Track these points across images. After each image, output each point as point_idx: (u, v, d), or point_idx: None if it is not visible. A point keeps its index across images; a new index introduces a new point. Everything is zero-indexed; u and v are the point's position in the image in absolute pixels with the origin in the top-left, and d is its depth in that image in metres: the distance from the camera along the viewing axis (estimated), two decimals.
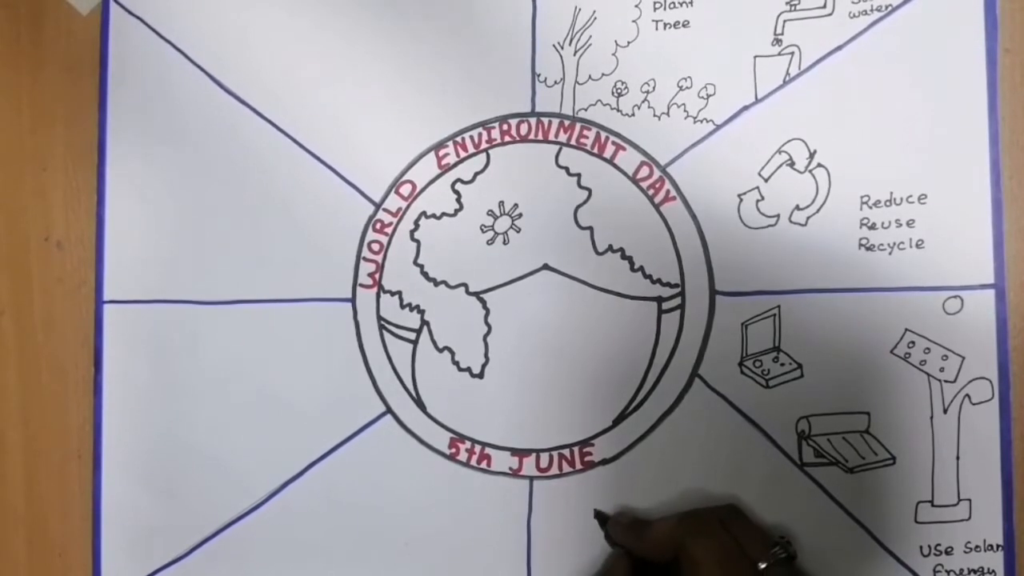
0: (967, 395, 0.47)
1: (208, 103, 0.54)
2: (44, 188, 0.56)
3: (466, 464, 0.51)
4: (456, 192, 0.52)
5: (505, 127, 0.52)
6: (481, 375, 0.51)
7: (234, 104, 0.54)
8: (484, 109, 0.52)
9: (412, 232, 0.52)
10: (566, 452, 0.50)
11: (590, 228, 0.51)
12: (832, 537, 0.48)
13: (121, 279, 0.55)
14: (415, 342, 0.52)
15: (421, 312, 0.52)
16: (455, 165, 0.52)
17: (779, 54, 0.49)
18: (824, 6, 0.49)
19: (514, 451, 0.51)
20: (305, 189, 0.53)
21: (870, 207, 0.48)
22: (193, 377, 0.54)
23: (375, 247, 0.53)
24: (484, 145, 0.52)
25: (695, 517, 0.45)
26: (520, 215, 0.51)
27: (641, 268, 0.50)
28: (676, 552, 0.43)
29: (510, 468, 0.51)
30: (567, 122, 0.51)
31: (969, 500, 0.47)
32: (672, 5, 0.50)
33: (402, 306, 0.52)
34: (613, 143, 0.51)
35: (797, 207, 0.49)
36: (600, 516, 0.49)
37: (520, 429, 0.51)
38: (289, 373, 0.53)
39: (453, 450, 0.51)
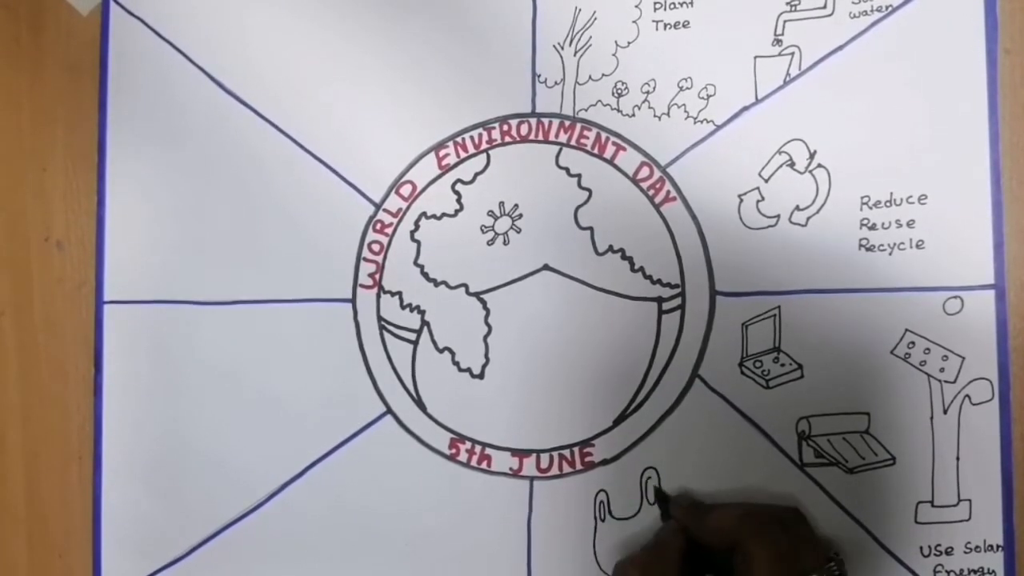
0: (967, 395, 0.47)
1: (208, 104, 0.54)
2: (44, 188, 0.56)
3: (466, 464, 0.51)
4: (456, 192, 0.52)
5: (505, 127, 0.52)
6: (481, 375, 0.51)
7: (234, 104, 0.54)
8: (484, 109, 0.52)
9: (412, 232, 0.52)
10: (566, 452, 0.50)
11: (590, 228, 0.51)
12: (832, 538, 0.47)
13: (121, 279, 0.55)
14: (415, 342, 0.52)
15: (421, 312, 0.52)
16: (455, 165, 0.52)
17: (779, 54, 0.49)
18: (824, 6, 0.49)
19: (514, 451, 0.51)
20: (305, 189, 0.53)
21: (870, 207, 0.48)
22: (193, 377, 0.54)
23: (375, 247, 0.53)
24: (484, 145, 0.52)
25: (759, 514, 0.44)
26: (520, 215, 0.51)
27: (641, 268, 0.50)
28: (733, 543, 0.43)
29: (510, 468, 0.51)
30: (567, 122, 0.51)
31: (969, 500, 0.47)
32: (672, 5, 0.50)
33: (402, 306, 0.52)
34: (613, 143, 0.51)
35: (797, 207, 0.49)
36: (660, 495, 0.49)
37: (520, 429, 0.51)
38: (289, 373, 0.53)
39: (453, 450, 0.51)
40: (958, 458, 0.47)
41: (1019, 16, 0.48)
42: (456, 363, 0.52)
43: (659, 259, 0.50)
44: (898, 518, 0.47)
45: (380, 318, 0.52)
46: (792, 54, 0.49)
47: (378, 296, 0.52)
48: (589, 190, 0.51)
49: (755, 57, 0.49)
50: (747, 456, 0.48)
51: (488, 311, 0.51)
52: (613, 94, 0.51)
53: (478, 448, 0.51)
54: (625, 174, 0.51)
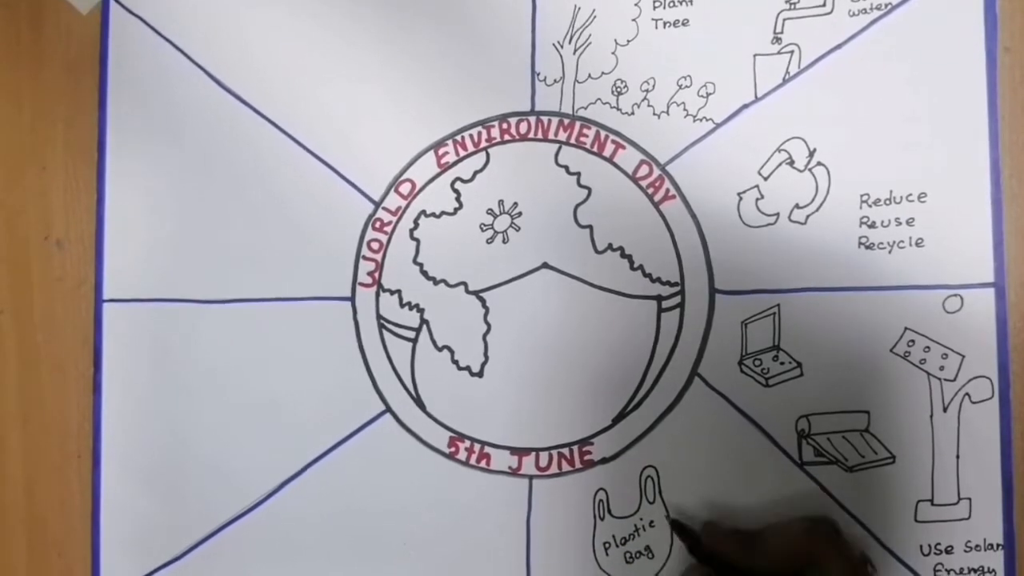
0: (967, 394, 0.47)
1: (208, 102, 0.54)
2: (44, 187, 0.56)
3: (465, 463, 0.51)
4: (456, 191, 0.52)
5: (505, 126, 0.52)
6: (480, 374, 0.51)
7: (234, 103, 0.54)
8: (484, 108, 0.52)
9: (412, 231, 0.52)
10: (566, 451, 0.50)
11: (590, 227, 0.51)
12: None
13: (121, 278, 0.55)
14: (414, 341, 0.52)
15: (420, 311, 0.52)
16: (455, 164, 0.52)
17: (779, 52, 0.49)
18: (824, 4, 0.49)
19: (514, 450, 0.51)
20: (304, 188, 0.53)
21: (870, 206, 0.48)
22: (193, 376, 0.54)
23: (375, 246, 0.53)
24: (484, 144, 0.52)
25: (820, 529, 0.43)
26: (520, 214, 0.51)
27: (641, 267, 0.50)
28: (803, 564, 0.41)
29: (509, 467, 0.51)
30: (567, 121, 0.51)
31: (969, 499, 0.47)
32: (672, 3, 0.50)
33: (401, 305, 0.52)
34: (613, 142, 0.51)
35: (797, 206, 0.49)
36: (678, 526, 0.47)
37: (520, 428, 0.51)
38: (288, 372, 0.53)
39: (452, 449, 0.51)
40: (958, 456, 0.47)
41: (1019, 15, 0.48)
42: (455, 361, 0.52)
43: (658, 257, 0.50)
44: (898, 517, 0.47)
45: (379, 316, 0.52)
46: (791, 52, 0.49)
47: (377, 294, 0.52)
48: (588, 188, 0.51)
49: (754, 55, 0.49)
50: (746, 454, 0.48)
51: (487, 309, 0.51)
52: (612, 92, 0.51)
53: (477, 447, 0.51)
54: (624, 172, 0.50)
